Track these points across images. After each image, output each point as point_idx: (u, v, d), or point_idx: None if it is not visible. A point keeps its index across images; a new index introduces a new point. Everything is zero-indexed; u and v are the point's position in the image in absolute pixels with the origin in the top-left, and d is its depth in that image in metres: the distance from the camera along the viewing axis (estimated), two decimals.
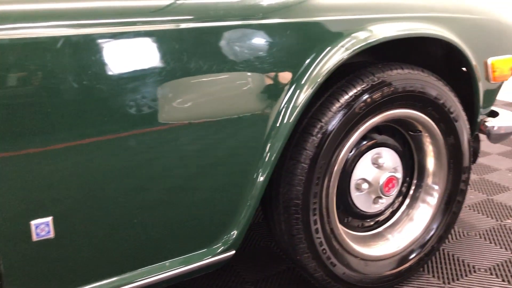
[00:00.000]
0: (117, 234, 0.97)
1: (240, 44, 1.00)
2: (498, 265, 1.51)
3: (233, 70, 1.01)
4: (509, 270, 1.49)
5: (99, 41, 0.85)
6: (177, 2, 0.95)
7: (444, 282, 1.44)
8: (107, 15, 0.86)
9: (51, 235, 0.90)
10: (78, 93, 0.85)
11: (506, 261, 1.53)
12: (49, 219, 0.89)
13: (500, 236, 1.69)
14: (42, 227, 0.88)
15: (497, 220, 1.79)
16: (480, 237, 1.69)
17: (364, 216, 1.42)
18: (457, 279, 1.45)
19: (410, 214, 1.47)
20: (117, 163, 0.93)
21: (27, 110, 0.82)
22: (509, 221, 1.78)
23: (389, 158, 1.39)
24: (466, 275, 1.47)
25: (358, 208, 1.38)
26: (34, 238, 0.89)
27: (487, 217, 1.82)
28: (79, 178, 0.89)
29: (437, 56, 1.53)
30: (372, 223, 1.46)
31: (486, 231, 1.73)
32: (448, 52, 1.49)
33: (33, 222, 0.88)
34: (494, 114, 1.61)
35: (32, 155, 0.84)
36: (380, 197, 1.39)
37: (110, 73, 0.87)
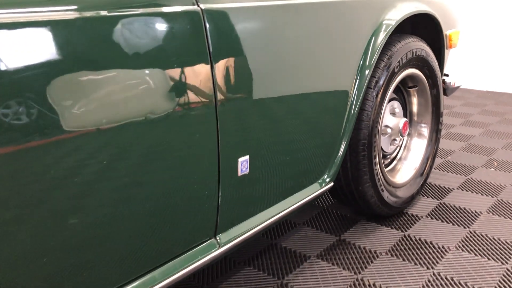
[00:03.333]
0: (286, 166, 1.21)
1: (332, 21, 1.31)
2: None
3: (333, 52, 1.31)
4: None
5: None
6: None
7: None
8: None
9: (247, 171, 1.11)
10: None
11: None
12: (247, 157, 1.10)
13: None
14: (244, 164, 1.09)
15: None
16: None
17: (384, 155, 1.82)
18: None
19: (410, 147, 1.92)
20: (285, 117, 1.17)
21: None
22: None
23: (399, 108, 1.81)
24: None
25: (382, 149, 1.77)
26: (242, 172, 1.09)
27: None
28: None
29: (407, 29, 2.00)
30: (388, 160, 1.87)
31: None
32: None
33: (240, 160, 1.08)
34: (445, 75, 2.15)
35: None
36: (395, 139, 1.80)
37: None
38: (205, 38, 0.96)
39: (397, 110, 1.79)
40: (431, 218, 1.78)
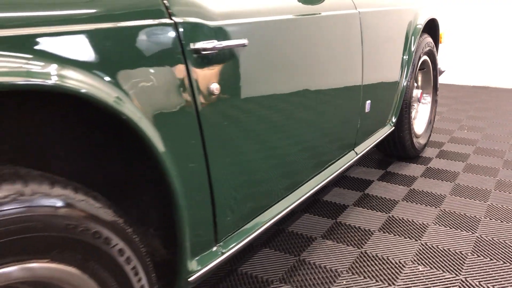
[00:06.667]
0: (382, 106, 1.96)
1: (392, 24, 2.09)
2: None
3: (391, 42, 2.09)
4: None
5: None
6: None
7: None
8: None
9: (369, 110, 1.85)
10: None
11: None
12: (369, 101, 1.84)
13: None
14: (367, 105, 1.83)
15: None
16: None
17: None
18: None
19: (419, 110, 2.74)
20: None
21: None
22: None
23: (416, 83, 2.63)
24: None
25: None
26: (366, 110, 1.82)
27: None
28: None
29: None
30: None
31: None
32: None
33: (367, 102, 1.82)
34: None
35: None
36: (413, 105, 2.61)
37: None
38: (360, 29, 1.68)
39: (415, 84, 2.61)
40: (440, 159, 2.61)
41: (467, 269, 1.57)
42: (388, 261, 1.62)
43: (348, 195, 2.13)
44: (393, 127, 2.20)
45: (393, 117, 2.19)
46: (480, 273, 1.55)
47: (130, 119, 0.76)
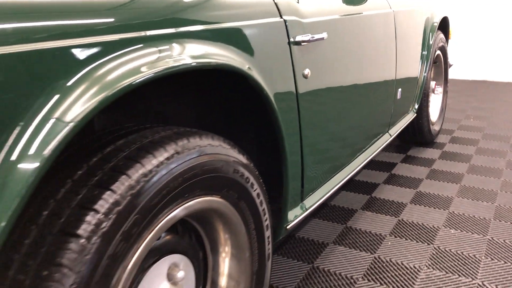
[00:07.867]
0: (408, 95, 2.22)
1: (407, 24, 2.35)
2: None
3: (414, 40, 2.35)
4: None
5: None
6: None
7: None
8: None
9: (400, 97, 2.10)
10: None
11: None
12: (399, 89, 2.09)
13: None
14: (399, 93, 2.08)
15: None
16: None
17: None
18: None
19: (433, 100, 3.00)
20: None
21: None
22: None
23: None
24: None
25: None
26: (398, 97, 2.08)
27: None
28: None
29: None
30: None
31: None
32: None
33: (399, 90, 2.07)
34: None
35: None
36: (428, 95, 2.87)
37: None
38: (394, 26, 1.93)
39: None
40: (453, 143, 2.88)
41: (492, 231, 1.83)
42: (424, 226, 1.88)
43: (377, 175, 2.38)
44: (416, 114, 2.46)
45: (416, 104, 2.45)
46: (504, 234, 1.81)
47: (259, 84, 1.00)
